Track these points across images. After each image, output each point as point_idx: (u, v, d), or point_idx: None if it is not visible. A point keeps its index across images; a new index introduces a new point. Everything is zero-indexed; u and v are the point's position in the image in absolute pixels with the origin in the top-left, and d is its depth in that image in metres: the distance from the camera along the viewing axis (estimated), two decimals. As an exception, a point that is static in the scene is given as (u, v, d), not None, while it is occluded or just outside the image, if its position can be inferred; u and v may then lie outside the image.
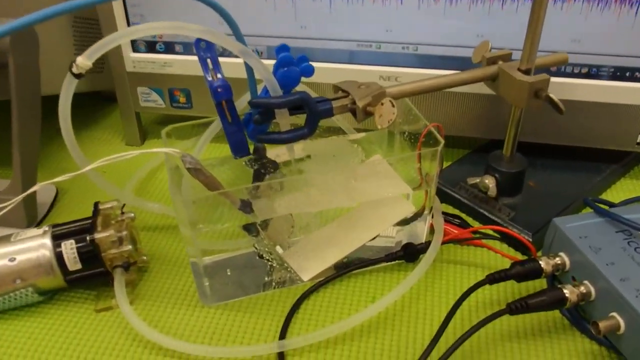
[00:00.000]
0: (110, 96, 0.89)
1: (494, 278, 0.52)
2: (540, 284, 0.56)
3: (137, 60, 0.77)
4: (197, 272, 0.55)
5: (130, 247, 0.56)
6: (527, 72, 0.57)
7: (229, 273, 0.59)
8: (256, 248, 0.57)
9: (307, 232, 0.58)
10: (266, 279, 0.59)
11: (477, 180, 0.65)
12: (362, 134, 0.66)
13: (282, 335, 0.53)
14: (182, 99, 0.80)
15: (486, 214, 0.64)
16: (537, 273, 0.52)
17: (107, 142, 0.85)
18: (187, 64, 0.76)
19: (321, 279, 0.57)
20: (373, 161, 0.60)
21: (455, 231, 0.62)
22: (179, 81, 0.79)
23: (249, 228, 0.55)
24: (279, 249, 0.58)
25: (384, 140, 0.66)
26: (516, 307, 0.48)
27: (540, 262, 0.52)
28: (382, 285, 0.57)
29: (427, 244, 0.57)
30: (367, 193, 0.55)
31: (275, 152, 0.60)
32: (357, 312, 0.50)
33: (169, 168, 0.52)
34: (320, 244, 0.59)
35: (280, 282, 0.58)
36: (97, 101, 0.94)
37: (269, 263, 0.58)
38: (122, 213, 0.59)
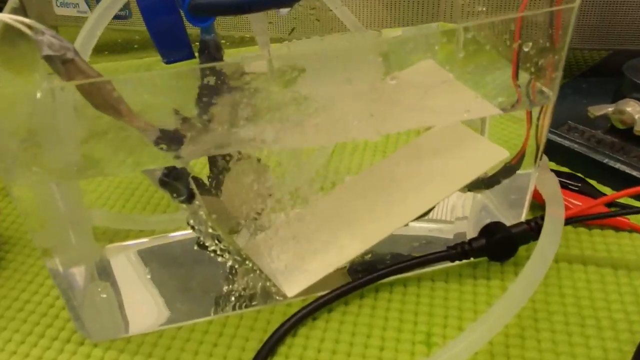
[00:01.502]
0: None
1: None
2: None
3: None
4: (63, 279, 0.27)
5: None
6: None
7: (148, 276, 0.31)
8: (193, 228, 0.29)
9: (299, 205, 0.30)
10: (225, 289, 0.31)
11: (609, 109, 0.36)
12: (396, 32, 0.38)
13: (234, 420, 0.24)
14: (115, 2, 0.52)
15: (627, 170, 0.35)
16: None
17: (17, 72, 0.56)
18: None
19: (321, 293, 0.29)
20: (421, 68, 0.31)
21: (578, 202, 0.33)
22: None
23: (173, 185, 0.27)
24: (244, 233, 0.30)
25: (433, 42, 0.37)
26: None
27: None
28: (443, 308, 0.29)
29: (535, 224, 0.29)
30: (415, 116, 0.26)
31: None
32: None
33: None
34: (321, 227, 0.30)
35: (244, 299, 0.30)
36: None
37: (221, 258, 0.29)
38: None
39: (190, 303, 0.30)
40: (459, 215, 0.34)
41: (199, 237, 0.29)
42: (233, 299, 0.30)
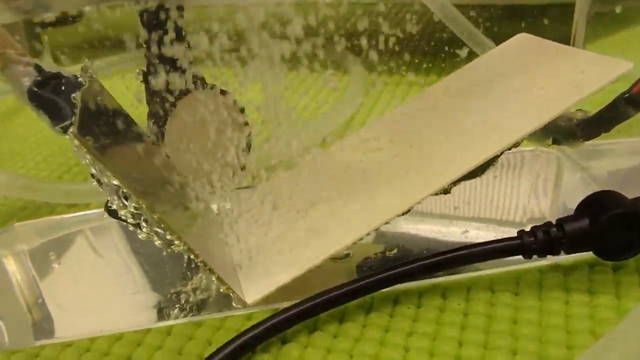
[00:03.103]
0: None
1: None
2: None
3: None
4: None
5: None
6: None
7: (55, 265, 0.21)
8: (99, 182, 0.18)
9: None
10: (165, 288, 0.20)
11: None
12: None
13: None
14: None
15: None
16: None
17: None
18: None
19: (302, 299, 0.17)
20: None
21: None
22: None
23: (49, 101, 0.16)
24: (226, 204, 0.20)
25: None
26: None
27: None
28: (510, 339, 0.16)
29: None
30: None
31: None
32: None
33: None
34: (310, 194, 0.19)
35: (189, 305, 0.19)
36: None
37: (143, 233, 0.18)
38: None
39: (105, 308, 0.20)
40: (535, 213, 0.22)
41: (107, 200, 0.18)
42: (171, 304, 0.19)
